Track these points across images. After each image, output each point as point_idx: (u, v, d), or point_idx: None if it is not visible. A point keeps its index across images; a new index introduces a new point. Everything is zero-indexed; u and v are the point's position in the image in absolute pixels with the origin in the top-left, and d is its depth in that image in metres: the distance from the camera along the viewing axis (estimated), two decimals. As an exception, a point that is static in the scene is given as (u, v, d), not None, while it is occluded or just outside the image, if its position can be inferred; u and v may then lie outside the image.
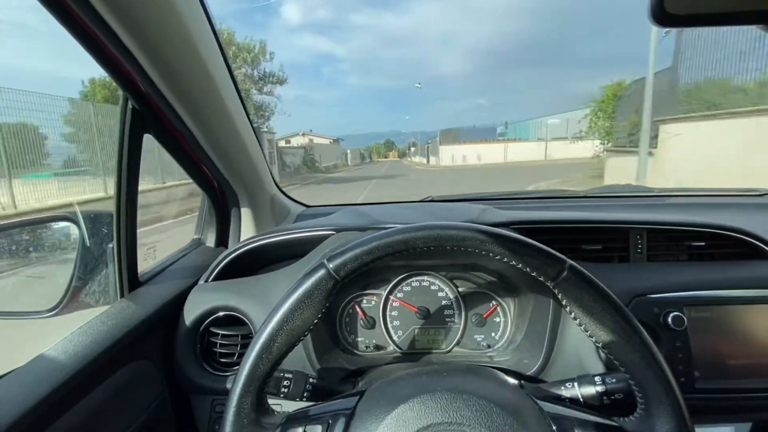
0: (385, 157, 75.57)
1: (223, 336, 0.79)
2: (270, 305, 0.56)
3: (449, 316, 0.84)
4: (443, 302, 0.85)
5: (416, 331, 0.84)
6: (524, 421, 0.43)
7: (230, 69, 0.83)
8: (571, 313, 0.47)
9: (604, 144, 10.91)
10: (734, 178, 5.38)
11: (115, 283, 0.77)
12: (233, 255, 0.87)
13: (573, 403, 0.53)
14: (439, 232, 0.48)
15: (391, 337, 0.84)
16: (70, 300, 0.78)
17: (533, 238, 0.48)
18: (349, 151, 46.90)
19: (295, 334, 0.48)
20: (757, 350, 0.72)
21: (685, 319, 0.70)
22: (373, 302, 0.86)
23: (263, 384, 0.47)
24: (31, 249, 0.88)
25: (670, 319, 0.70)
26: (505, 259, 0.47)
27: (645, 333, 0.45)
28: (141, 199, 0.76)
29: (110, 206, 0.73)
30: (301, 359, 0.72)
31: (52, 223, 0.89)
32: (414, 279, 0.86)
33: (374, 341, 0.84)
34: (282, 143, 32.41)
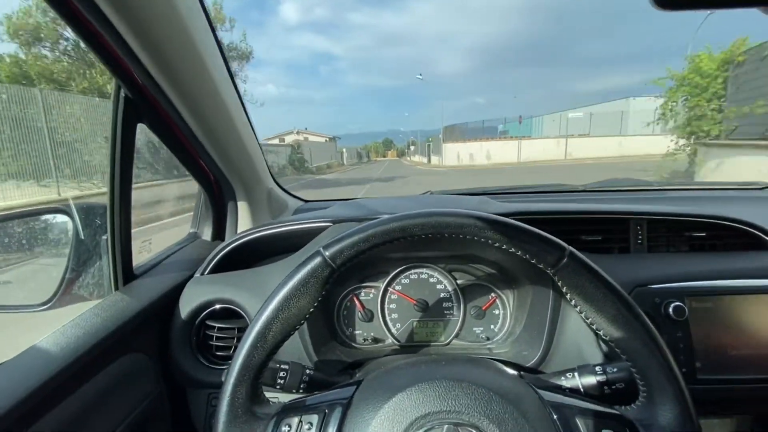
0: (384, 156, 75.54)
1: (219, 329, 0.78)
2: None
3: (448, 308, 0.84)
4: (442, 294, 0.84)
5: (415, 323, 0.83)
6: (524, 410, 0.42)
7: (225, 57, 0.81)
8: (571, 301, 0.46)
9: (695, 136, 7.20)
10: None
11: (110, 275, 0.76)
12: (230, 247, 0.86)
13: (573, 393, 0.52)
14: (437, 219, 0.47)
15: (389, 330, 0.83)
16: (64, 293, 0.77)
17: None
18: (345, 150, 45.87)
19: (290, 323, 0.47)
20: (758, 341, 0.71)
21: (686, 310, 0.69)
22: (371, 295, 0.85)
23: (258, 373, 0.47)
24: (24, 241, 0.87)
25: (671, 310, 0.69)
26: (504, 246, 0.46)
27: (647, 320, 0.45)
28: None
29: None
30: (298, 351, 0.71)
31: (45, 216, 0.88)
32: (413, 271, 0.85)
33: (372, 334, 0.83)
34: (275, 141, 31.78)
